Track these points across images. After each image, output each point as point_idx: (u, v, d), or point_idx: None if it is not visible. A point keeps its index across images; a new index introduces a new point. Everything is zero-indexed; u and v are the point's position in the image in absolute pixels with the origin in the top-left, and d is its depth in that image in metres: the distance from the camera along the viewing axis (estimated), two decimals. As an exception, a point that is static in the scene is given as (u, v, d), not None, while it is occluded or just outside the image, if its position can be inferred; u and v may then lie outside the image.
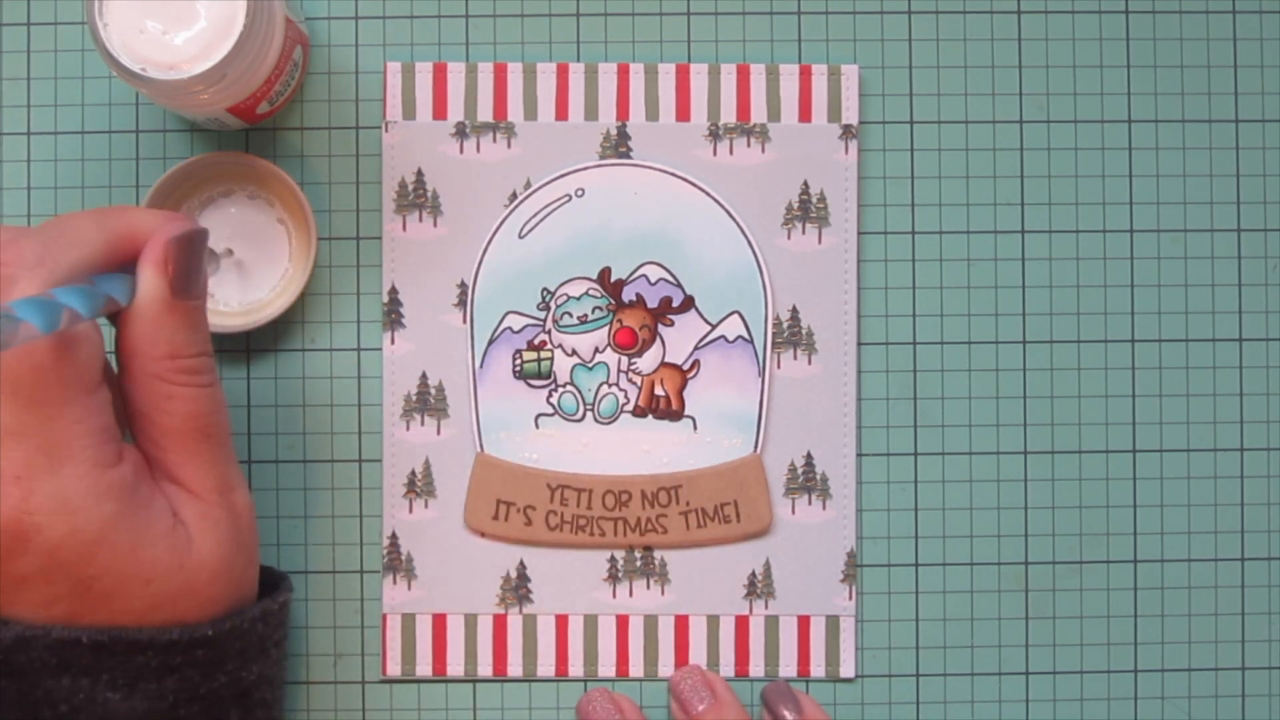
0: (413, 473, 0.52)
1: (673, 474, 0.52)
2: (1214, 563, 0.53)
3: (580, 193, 0.52)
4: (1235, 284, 0.53)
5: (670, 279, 0.52)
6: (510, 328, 0.52)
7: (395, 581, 0.52)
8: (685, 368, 0.52)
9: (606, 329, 0.52)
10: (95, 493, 0.40)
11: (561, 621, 0.52)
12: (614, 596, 0.52)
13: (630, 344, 0.52)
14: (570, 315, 0.52)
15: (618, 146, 0.52)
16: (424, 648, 0.52)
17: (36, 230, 0.41)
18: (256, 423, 0.52)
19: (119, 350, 0.42)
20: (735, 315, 0.52)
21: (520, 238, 0.52)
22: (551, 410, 0.52)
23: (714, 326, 0.52)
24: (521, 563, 0.52)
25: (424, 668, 0.52)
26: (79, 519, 0.40)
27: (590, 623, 0.52)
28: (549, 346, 0.52)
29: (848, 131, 0.52)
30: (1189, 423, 0.53)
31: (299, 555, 0.52)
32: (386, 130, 0.52)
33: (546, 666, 0.52)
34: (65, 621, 0.40)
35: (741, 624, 0.52)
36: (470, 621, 0.52)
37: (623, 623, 0.52)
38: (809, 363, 0.52)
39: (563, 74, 0.52)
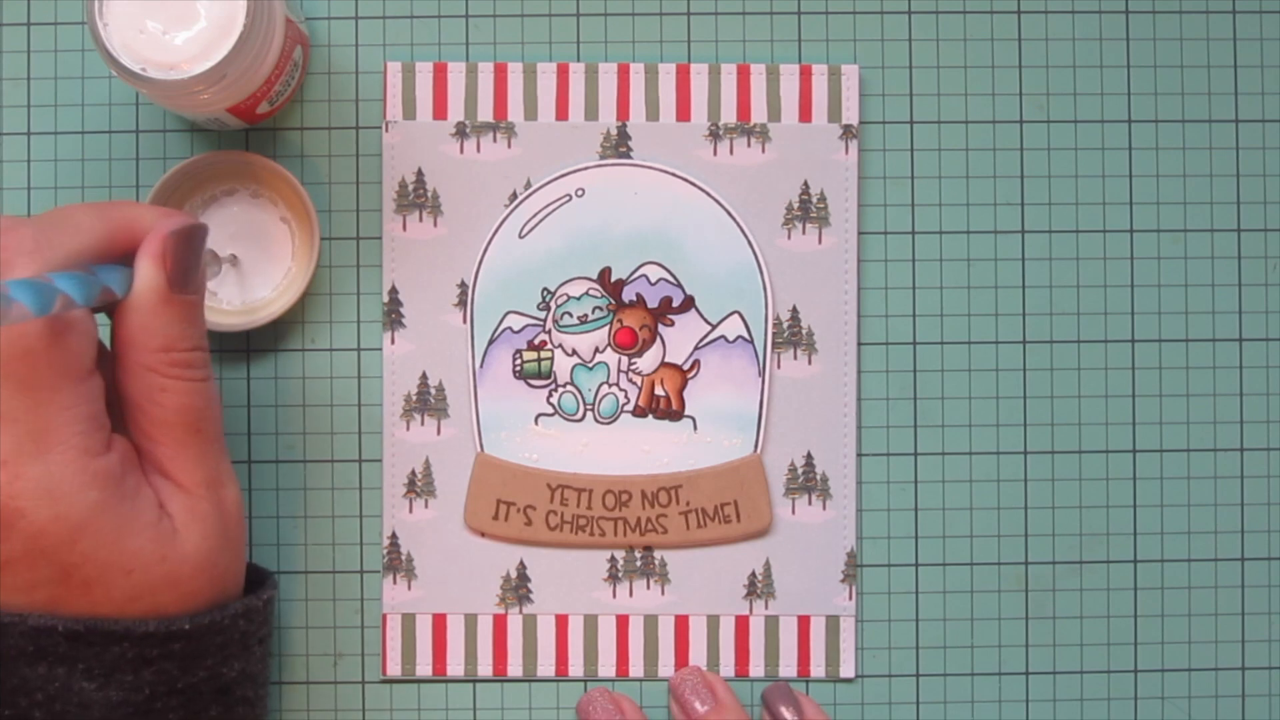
0: (413, 473, 0.52)
1: (673, 474, 0.52)
2: (1214, 563, 0.53)
3: (580, 193, 0.52)
4: (1235, 284, 0.53)
5: (670, 279, 0.52)
6: (510, 328, 0.52)
7: (395, 581, 0.52)
8: (685, 368, 0.52)
9: (606, 329, 0.52)
10: (81, 479, 0.40)
11: (561, 621, 0.52)
12: (614, 596, 0.52)
13: (630, 344, 0.52)
14: (570, 315, 0.52)
15: (618, 146, 0.52)
16: (424, 648, 0.52)
17: (35, 218, 0.41)
18: (256, 423, 0.52)
19: (114, 342, 0.43)
20: (735, 315, 0.52)
21: (520, 238, 0.52)
22: (551, 410, 0.52)
23: (714, 326, 0.52)
24: (521, 563, 0.52)
25: (424, 668, 0.52)
26: (63, 505, 0.40)
27: (590, 623, 0.52)
28: (549, 346, 0.52)
29: (848, 131, 0.52)
30: (1189, 423, 0.53)
31: (299, 555, 0.52)
32: (386, 130, 0.52)
33: (546, 666, 0.52)
34: (45, 608, 0.40)
35: (741, 624, 0.52)
36: (470, 621, 0.52)
37: (623, 623, 0.52)
38: (809, 363, 0.52)
39: (563, 74, 0.52)
